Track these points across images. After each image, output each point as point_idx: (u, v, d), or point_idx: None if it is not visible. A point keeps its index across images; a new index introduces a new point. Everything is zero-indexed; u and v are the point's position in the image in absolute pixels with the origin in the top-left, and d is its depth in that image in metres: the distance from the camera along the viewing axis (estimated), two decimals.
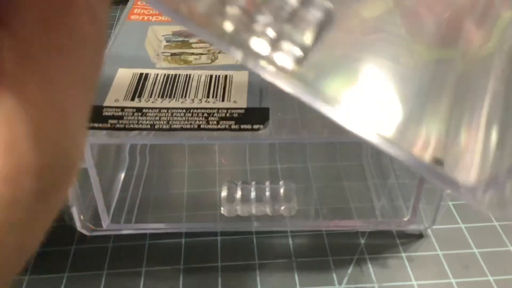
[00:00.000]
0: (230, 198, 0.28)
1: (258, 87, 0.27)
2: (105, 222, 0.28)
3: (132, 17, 0.35)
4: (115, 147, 0.32)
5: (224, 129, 0.24)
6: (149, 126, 0.25)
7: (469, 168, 0.11)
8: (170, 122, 0.25)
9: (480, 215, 0.29)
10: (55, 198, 0.10)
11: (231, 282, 0.25)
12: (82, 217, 0.26)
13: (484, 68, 0.13)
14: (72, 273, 0.26)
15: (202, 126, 0.25)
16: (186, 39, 0.32)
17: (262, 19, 0.10)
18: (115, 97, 0.27)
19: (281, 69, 0.10)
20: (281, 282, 0.25)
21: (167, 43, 0.32)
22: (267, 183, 0.28)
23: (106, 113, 0.25)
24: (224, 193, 0.28)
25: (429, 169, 0.11)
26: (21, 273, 0.26)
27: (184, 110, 0.26)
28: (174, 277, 0.26)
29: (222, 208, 0.28)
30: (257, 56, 0.10)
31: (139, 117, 0.25)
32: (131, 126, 0.25)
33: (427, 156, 0.11)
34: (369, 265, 0.26)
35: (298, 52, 0.10)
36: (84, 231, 0.27)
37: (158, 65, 0.30)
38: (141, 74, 0.29)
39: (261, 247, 0.27)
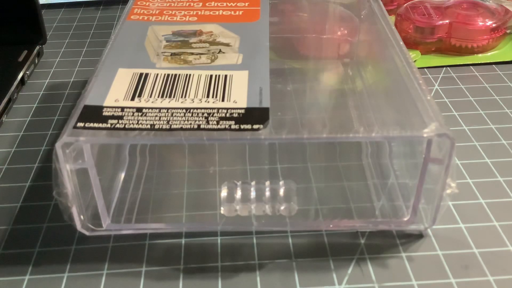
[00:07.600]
0: (230, 198, 0.28)
1: (258, 87, 0.27)
2: (105, 222, 0.28)
3: (132, 17, 0.35)
4: (115, 147, 0.32)
5: (224, 129, 0.24)
6: (149, 126, 0.25)
7: None
8: (170, 122, 0.25)
9: (480, 215, 0.29)
10: None
11: (231, 282, 0.25)
12: (82, 217, 0.26)
13: None
14: (72, 273, 0.26)
15: (202, 126, 0.25)
16: (186, 39, 0.33)
17: None
18: (115, 97, 0.27)
19: None
20: (281, 282, 0.25)
21: (167, 43, 0.32)
22: (267, 183, 0.28)
23: (106, 113, 0.25)
24: (224, 193, 0.28)
25: None
26: (21, 273, 0.26)
27: (184, 110, 0.26)
28: (174, 277, 0.26)
29: (222, 208, 0.28)
30: None
31: (139, 117, 0.25)
32: (131, 126, 0.25)
33: None
34: (369, 265, 0.26)
35: None
36: (84, 231, 0.27)
37: (158, 65, 0.30)
38: (141, 74, 0.29)
39: (261, 247, 0.27)
